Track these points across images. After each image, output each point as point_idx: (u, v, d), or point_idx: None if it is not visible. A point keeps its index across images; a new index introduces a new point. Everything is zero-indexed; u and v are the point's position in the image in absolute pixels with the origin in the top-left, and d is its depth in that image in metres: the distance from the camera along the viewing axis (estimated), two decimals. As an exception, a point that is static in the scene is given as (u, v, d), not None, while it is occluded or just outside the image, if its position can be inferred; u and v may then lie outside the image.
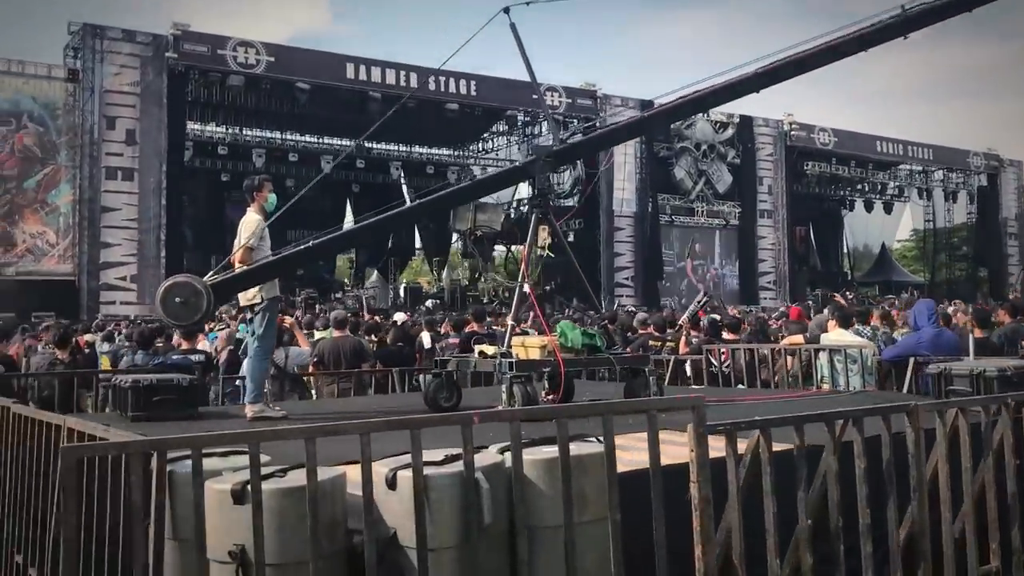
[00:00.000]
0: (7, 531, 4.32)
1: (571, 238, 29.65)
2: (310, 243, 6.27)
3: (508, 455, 2.96)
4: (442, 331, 12.52)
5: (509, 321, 5.57)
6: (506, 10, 6.33)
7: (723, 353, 8.32)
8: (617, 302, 29.45)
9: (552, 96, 30.82)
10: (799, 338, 8.10)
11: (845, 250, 44.79)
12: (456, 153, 35.54)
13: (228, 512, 2.63)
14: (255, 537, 2.49)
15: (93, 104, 23.96)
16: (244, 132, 31.26)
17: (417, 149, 33.91)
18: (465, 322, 10.40)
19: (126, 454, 2.37)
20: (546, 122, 32.07)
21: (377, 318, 14.18)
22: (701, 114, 30.32)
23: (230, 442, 2.57)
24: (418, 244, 37.54)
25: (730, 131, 34.24)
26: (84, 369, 8.06)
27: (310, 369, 8.60)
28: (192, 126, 28.51)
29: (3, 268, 23.26)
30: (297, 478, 2.74)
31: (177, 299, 5.33)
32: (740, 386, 8.11)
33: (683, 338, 9.00)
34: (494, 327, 10.88)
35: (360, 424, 2.63)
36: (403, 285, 32.34)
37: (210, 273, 5.67)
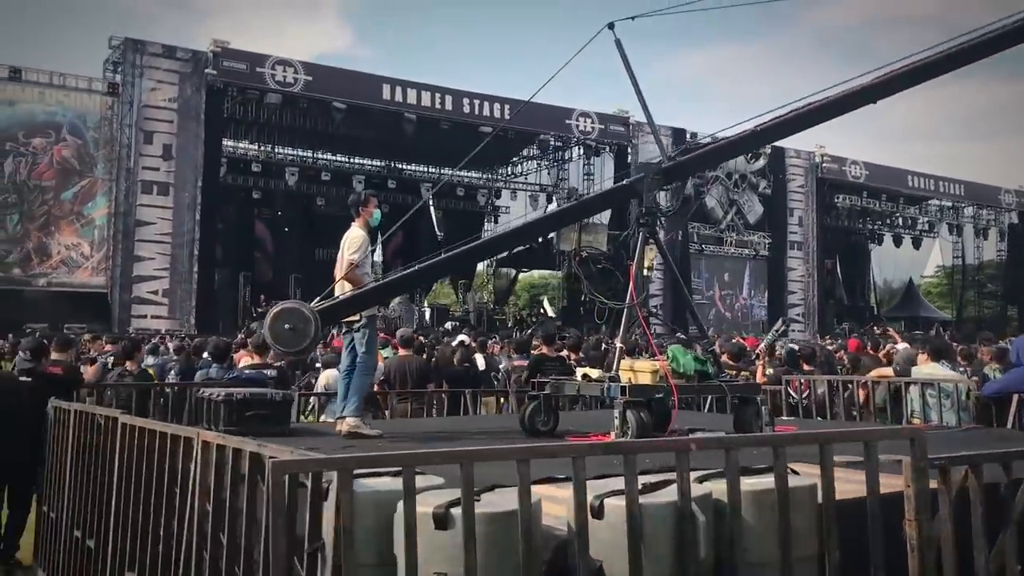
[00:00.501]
0: (118, 550, 4.12)
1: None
2: (415, 266, 6.10)
3: (707, 484, 2.77)
4: (488, 351, 12.35)
5: (618, 344, 5.36)
6: (610, 25, 6.21)
7: (802, 384, 8.09)
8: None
9: (585, 121, 30.79)
10: (888, 371, 7.86)
11: (872, 284, 44.38)
12: (486, 176, 35.46)
13: (429, 537, 2.43)
14: (467, 565, 2.29)
15: (131, 118, 24.08)
16: (277, 150, 31.32)
17: (447, 171, 33.85)
18: (530, 344, 10.20)
19: (336, 471, 2.18)
20: (579, 146, 32.11)
21: (422, 339, 13.97)
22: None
23: (442, 461, 2.37)
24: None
25: (762, 161, 33.98)
26: (158, 382, 7.89)
27: (375, 387, 8.41)
28: (225, 143, 28.55)
29: (37, 279, 23.27)
30: (494, 501, 2.56)
31: (286, 326, 5.21)
32: (819, 419, 7.87)
33: (759, 368, 8.77)
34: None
35: (573, 447, 2.45)
36: (427, 305, 32.21)
37: (317, 299, 5.55)
